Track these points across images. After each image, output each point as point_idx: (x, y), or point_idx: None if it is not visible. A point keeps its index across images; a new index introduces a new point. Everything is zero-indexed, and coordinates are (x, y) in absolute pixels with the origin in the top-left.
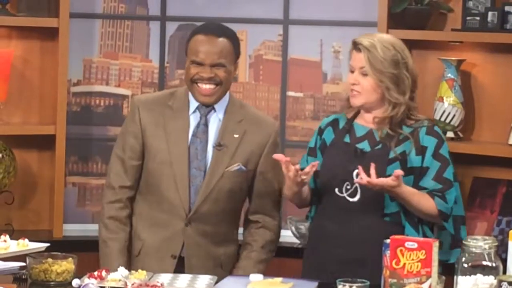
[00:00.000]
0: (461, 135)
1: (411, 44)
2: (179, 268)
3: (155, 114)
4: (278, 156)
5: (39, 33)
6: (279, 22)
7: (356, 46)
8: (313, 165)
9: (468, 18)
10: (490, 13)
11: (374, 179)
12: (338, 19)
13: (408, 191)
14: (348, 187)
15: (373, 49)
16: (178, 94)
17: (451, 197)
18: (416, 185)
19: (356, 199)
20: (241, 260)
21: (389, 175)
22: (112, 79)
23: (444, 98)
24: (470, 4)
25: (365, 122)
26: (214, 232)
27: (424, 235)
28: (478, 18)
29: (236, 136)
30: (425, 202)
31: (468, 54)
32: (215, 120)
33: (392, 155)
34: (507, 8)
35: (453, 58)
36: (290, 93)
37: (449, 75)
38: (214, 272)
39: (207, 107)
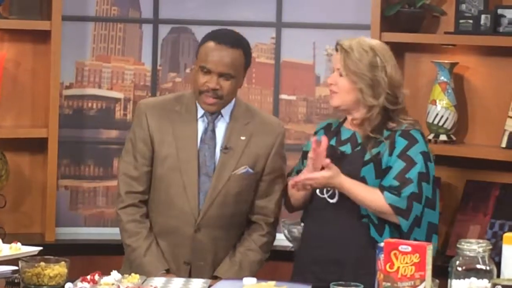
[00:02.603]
0: (454, 138)
1: (404, 47)
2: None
3: (162, 120)
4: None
5: (32, 36)
6: (272, 25)
7: (336, 46)
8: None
9: (461, 21)
10: (483, 16)
11: (302, 176)
12: (331, 22)
13: (349, 182)
14: (328, 188)
15: (349, 51)
16: (185, 99)
17: (407, 194)
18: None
19: (335, 200)
20: (238, 254)
21: (363, 177)
22: (104, 82)
23: (437, 101)
24: (463, 7)
25: (351, 125)
26: (225, 237)
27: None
28: (471, 21)
29: (243, 138)
30: (371, 195)
31: (461, 57)
32: (222, 125)
33: (367, 157)
34: (500, 11)
35: (446, 61)
36: (283, 96)
37: (442, 78)
38: None
39: (213, 114)
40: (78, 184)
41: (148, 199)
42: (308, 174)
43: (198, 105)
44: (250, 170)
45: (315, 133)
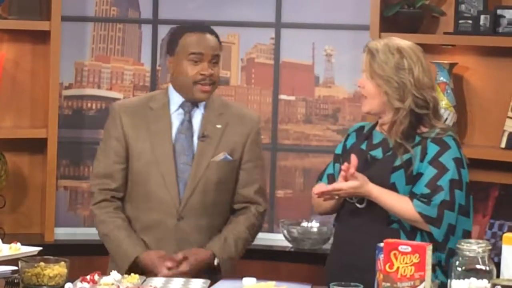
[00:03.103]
0: None
1: None
2: None
3: (136, 117)
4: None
5: (31, 36)
6: (271, 25)
7: (364, 48)
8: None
9: (460, 21)
10: (482, 17)
11: (329, 187)
12: (330, 23)
13: (377, 190)
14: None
15: (375, 53)
16: (158, 96)
17: (437, 202)
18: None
19: (363, 205)
20: (224, 231)
21: (393, 183)
22: (104, 82)
23: None
24: (463, 7)
25: (382, 129)
26: (208, 226)
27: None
28: (470, 21)
29: (218, 126)
30: (400, 203)
31: (460, 58)
32: (198, 115)
33: (398, 162)
34: (499, 12)
35: (446, 62)
36: (282, 97)
37: (442, 78)
38: (208, 269)
39: (191, 104)
40: (77, 184)
41: (123, 197)
42: (335, 184)
43: (172, 98)
44: (229, 157)
45: (348, 136)
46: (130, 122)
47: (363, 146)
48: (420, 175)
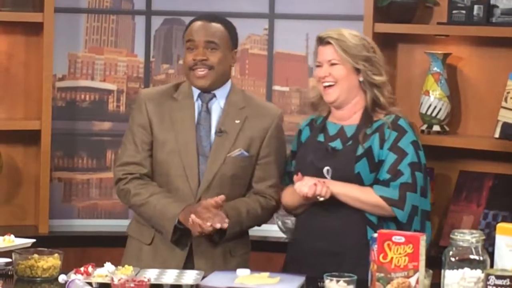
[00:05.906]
0: (447, 128)
1: (397, 38)
2: (190, 256)
3: (160, 106)
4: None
5: (24, 28)
6: (264, 16)
7: (323, 40)
8: None
9: (454, 11)
10: (476, 7)
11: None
12: (324, 13)
13: (342, 187)
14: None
15: (342, 38)
16: (182, 86)
17: (397, 184)
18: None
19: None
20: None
21: (358, 173)
22: (97, 73)
23: (430, 91)
24: None
25: (336, 119)
26: None
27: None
28: (464, 11)
29: (237, 122)
30: (366, 194)
31: (454, 48)
32: (216, 108)
33: (360, 151)
34: (492, 2)
35: (439, 52)
36: (276, 87)
37: (435, 68)
38: (223, 259)
39: (207, 94)
40: (71, 176)
41: (150, 174)
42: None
43: (194, 90)
44: (245, 153)
45: (300, 132)
46: (155, 109)
47: (321, 139)
48: (382, 162)
